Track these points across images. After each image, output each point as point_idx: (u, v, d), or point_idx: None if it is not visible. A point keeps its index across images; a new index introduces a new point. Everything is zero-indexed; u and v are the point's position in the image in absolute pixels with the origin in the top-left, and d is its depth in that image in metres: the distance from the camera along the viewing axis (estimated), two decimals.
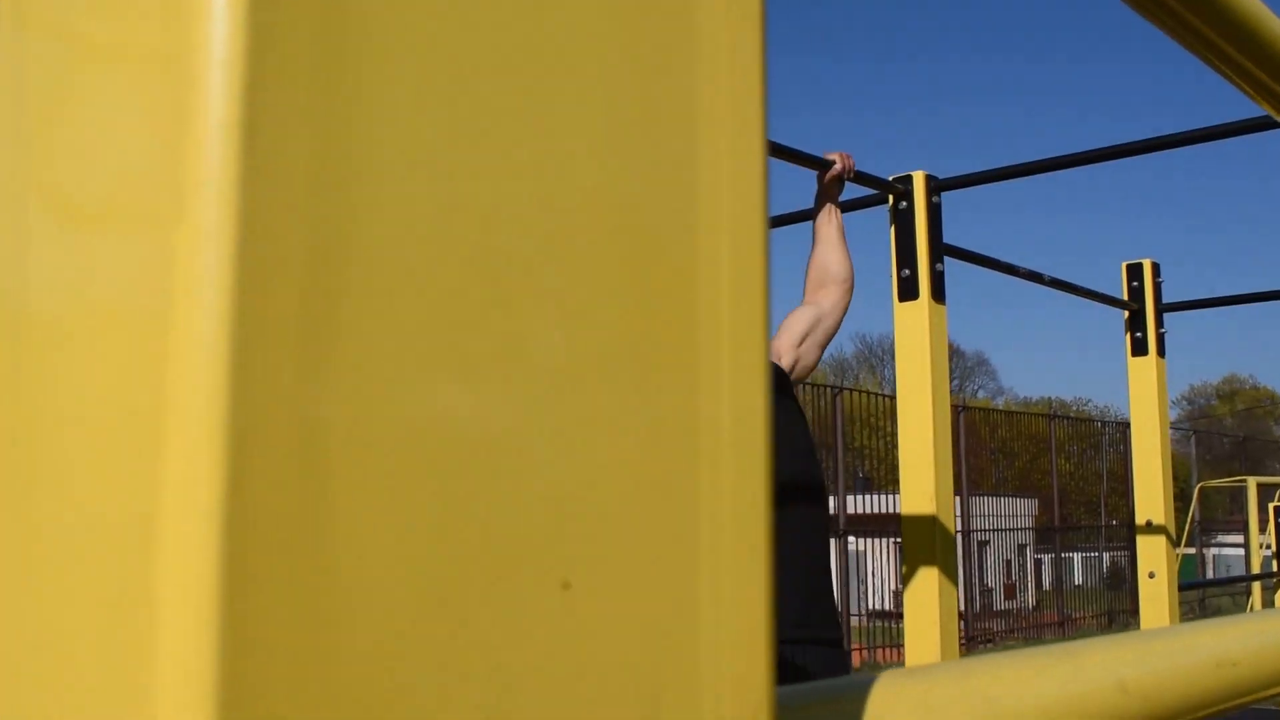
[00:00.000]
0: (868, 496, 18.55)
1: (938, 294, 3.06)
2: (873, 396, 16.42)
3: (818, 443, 14.52)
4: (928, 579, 2.98)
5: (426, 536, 0.23)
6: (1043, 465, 24.19)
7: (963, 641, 15.37)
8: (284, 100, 0.21)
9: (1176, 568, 4.06)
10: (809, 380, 16.63)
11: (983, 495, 20.20)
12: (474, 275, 0.25)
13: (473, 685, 0.23)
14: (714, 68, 0.32)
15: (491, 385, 0.25)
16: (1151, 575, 3.98)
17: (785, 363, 3.16)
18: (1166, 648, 0.53)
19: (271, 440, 0.21)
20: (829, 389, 14.22)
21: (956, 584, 3.02)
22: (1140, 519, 4.03)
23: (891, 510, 18.92)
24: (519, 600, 0.24)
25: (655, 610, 0.27)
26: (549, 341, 0.26)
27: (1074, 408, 47.67)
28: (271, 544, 0.21)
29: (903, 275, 3.06)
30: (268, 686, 0.20)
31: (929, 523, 2.98)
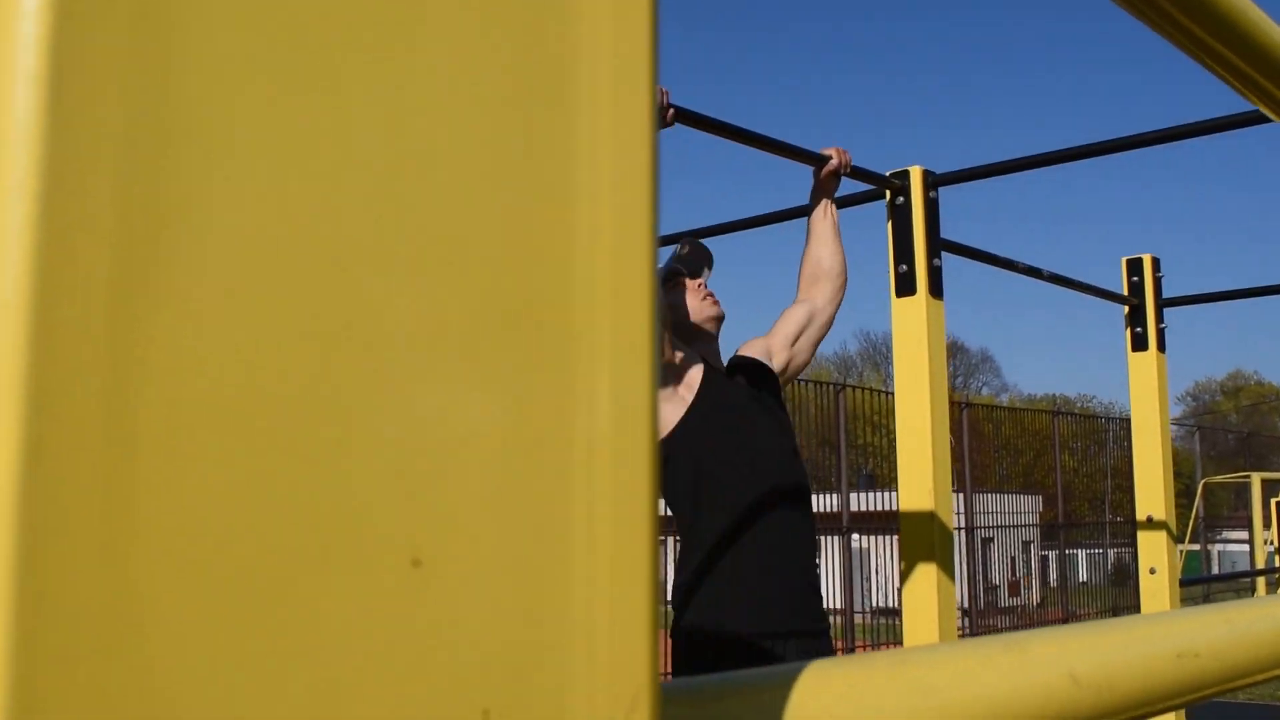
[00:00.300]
0: (871, 494, 18.55)
1: (935, 289, 3.04)
2: (876, 393, 16.38)
3: (821, 440, 14.47)
4: (926, 575, 2.96)
5: (256, 517, 0.22)
6: (1047, 462, 24.16)
7: (966, 638, 15.31)
8: (96, 55, 0.20)
9: (1178, 563, 4.04)
10: (812, 378, 16.49)
11: (987, 492, 20.17)
12: (315, 243, 0.24)
13: (307, 672, 0.22)
14: (595, 39, 0.31)
15: (334, 357, 0.24)
16: (1153, 571, 3.97)
17: (777, 362, 3.15)
18: (1123, 639, 0.51)
19: (75, 410, 0.19)
20: (832, 386, 14.19)
21: (954, 580, 3.01)
22: (1141, 515, 4.01)
23: (895, 508, 18.84)
24: (363, 580, 0.23)
25: (518, 592, 0.26)
26: (399, 314, 0.25)
27: (1078, 404, 47.61)
28: (72, 526, 0.19)
29: (900, 271, 3.05)
30: (65, 691, 0.19)
31: (927, 519, 2.97)
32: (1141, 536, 4.01)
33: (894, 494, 17.41)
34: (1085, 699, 0.45)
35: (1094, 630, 0.51)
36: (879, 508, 18.17)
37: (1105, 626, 0.53)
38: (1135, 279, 4.05)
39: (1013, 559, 23.16)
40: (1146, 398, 4.00)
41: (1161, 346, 4.02)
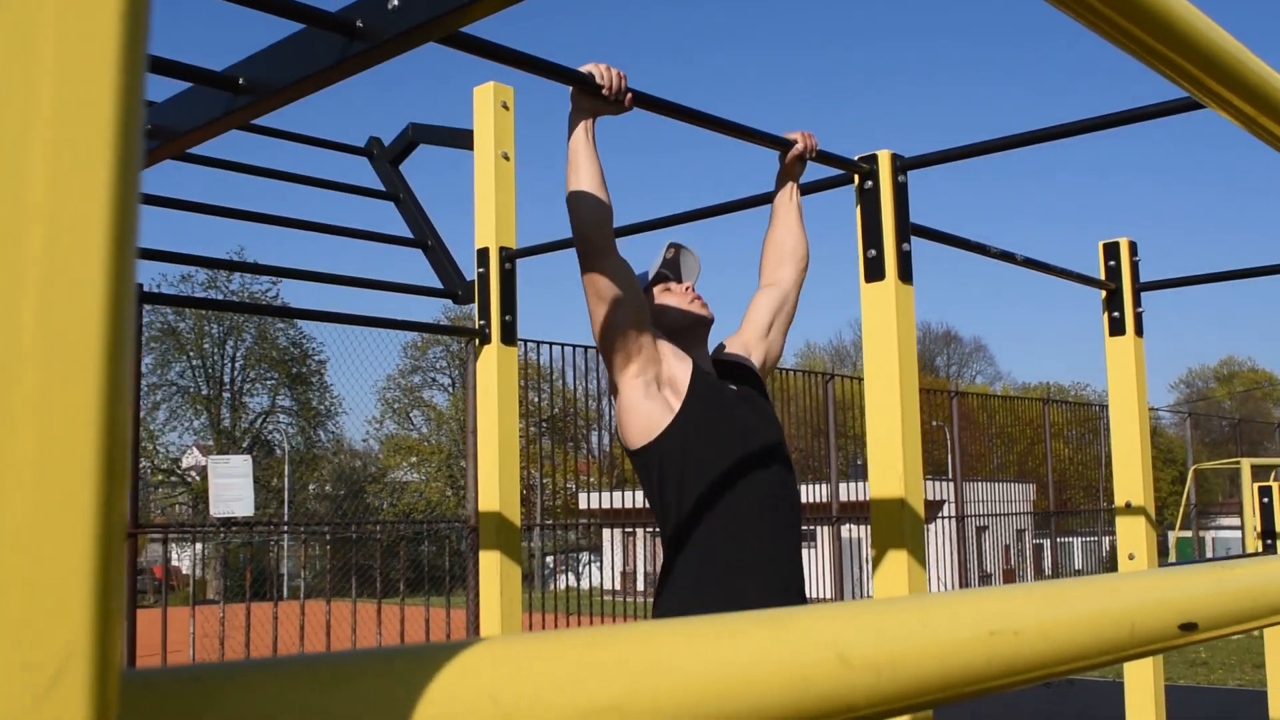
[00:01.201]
0: (862, 484, 18.48)
1: (905, 274, 3.01)
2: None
3: (812, 429, 14.40)
4: (896, 563, 2.93)
5: None
6: (1041, 450, 24.18)
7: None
8: None
9: (1156, 549, 4.01)
10: (803, 368, 16.41)
11: (980, 481, 20.17)
12: None
13: None
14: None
15: None
16: (1131, 557, 3.94)
17: (756, 357, 3.13)
18: (921, 617, 0.48)
19: None
20: (821, 375, 14.14)
21: (926, 567, 2.97)
22: (1119, 500, 3.98)
23: None
24: None
25: None
26: None
27: (1072, 392, 47.61)
28: None
29: (869, 256, 3.01)
30: None
31: (897, 505, 2.93)
32: (1120, 522, 3.98)
33: None
34: (857, 680, 0.41)
35: (872, 608, 0.47)
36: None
37: (890, 604, 0.49)
38: (1112, 263, 4.02)
39: (1006, 547, 23.19)
40: (1124, 383, 3.97)
41: (1139, 331, 3.99)
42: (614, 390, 2.85)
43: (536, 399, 14.67)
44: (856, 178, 3.06)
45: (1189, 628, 0.68)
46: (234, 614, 9.34)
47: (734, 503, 2.80)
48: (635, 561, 19.04)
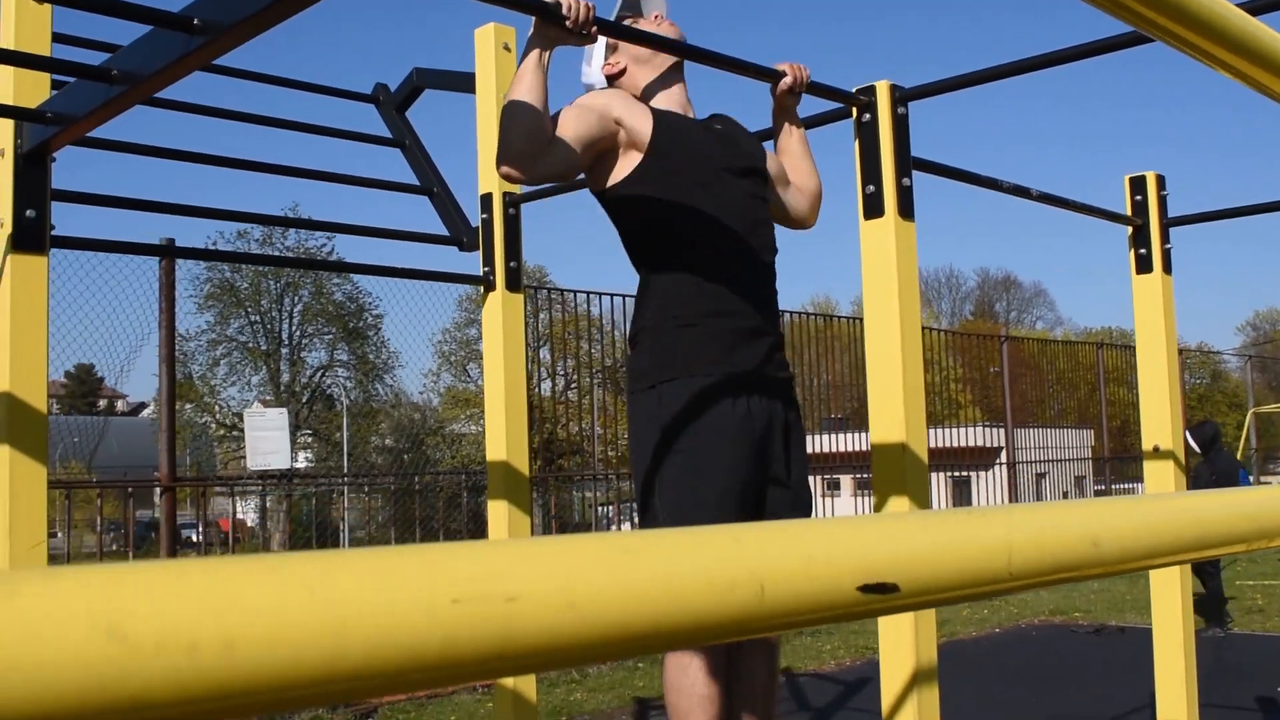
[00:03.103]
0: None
1: (905, 210, 2.88)
2: (925, 330, 16.09)
3: (859, 376, 14.17)
4: (898, 509, 2.83)
5: None
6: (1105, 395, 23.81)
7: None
8: None
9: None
10: (855, 315, 16.13)
11: (1038, 427, 19.91)
12: None
13: None
14: None
15: None
16: None
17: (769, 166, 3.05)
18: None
19: None
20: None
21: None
22: (1147, 445, 3.84)
23: (947, 444, 18.76)
24: None
25: None
26: None
27: (1134, 336, 46.69)
28: None
29: (867, 192, 2.88)
30: None
31: (898, 451, 2.83)
32: (1148, 467, 3.84)
33: (944, 430, 17.25)
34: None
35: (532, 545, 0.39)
36: (932, 444, 18.03)
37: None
38: (1139, 198, 3.85)
39: (1065, 494, 22.89)
40: (1152, 322, 3.82)
41: (1167, 268, 3.82)
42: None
43: (589, 350, 14.64)
44: (854, 111, 2.94)
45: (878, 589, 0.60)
46: None
47: (705, 233, 2.78)
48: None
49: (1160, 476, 3.79)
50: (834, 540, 0.60)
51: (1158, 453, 3.79)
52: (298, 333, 36.00)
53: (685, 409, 2.66)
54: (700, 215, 2.75)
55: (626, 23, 2.92)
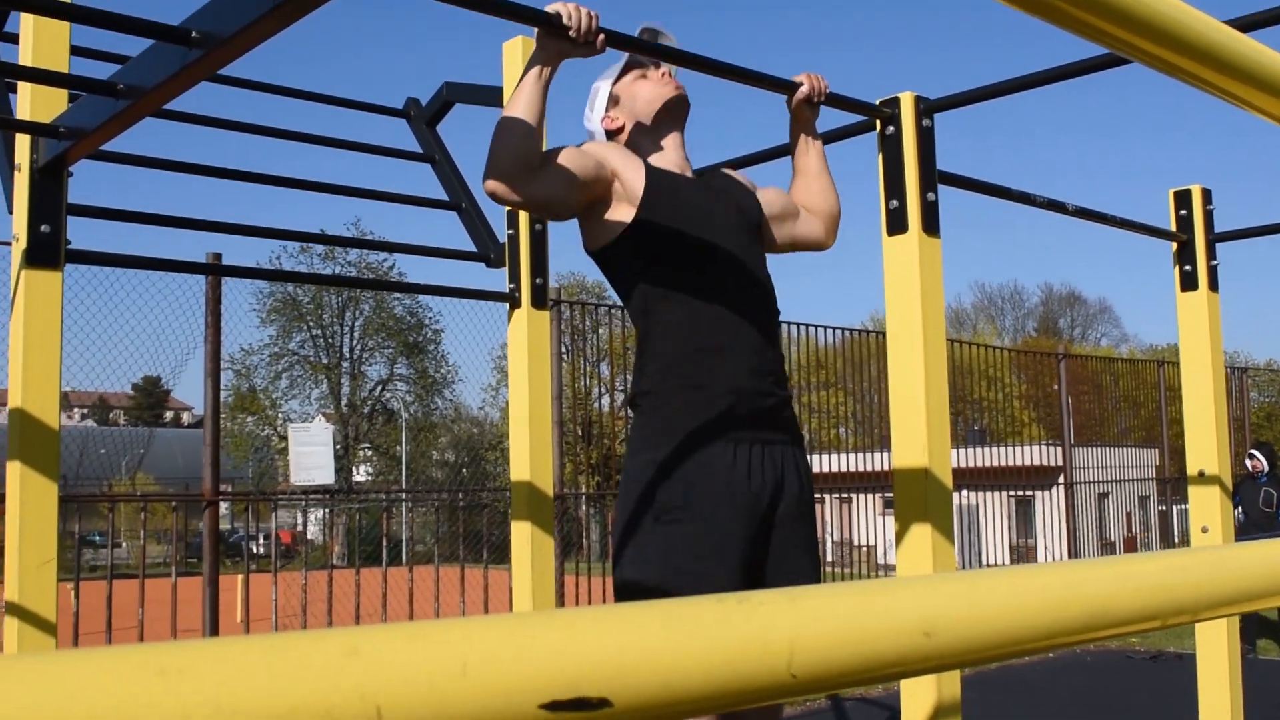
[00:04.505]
0: (983, 450, 18.08)
1: (930, 226, 2.79)
2: (989, 349, 15.86)
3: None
4: (920, 538, 2.72)
5: None
6: (1170, 414, 23.34)
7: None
8: None
9: (1233, 521, 3.73)
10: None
11: (1100, 446, 19.53)
12: None
13: None
14: None
15: None
16: (1205, 530, 3.65)
17: (763, 202, 2.93)
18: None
19: None
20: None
21: (953, 544, 2.76)
22: (1192, 469, 3.69)
23: (1007, 463, 18.46)
24: None
25: None
26: None
27: None
28: None
29: (890, 207, 2.79)
30: None
31: (921, 476, 2.72)
32: (1193, 492, 3.69)
33: (1006, 449, 16.98)
34: None
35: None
36: (993, 463, 17.72)
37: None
38: (1184, 213, 3.71)
39: (1128, 515, 22.45)
40: (1197, 341, 3.68)
41: (1214, 285, 3.68)
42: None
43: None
44: (878, 123, 2.85)
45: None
46: (345, 579, 9.42)
47: (700, 289, 2.65)
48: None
49: (1205, 502, 3.64)
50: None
51: (1203, 477, 3.65)
52: (358, 347, 36.29)
53: (686, 475, 2.53)
54: (698, 273, 2.63)
55: (634, 74, 2.85)
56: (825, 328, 11.51)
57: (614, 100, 2.85)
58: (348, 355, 36.02)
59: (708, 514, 2.49)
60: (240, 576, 9.90)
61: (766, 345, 2.69)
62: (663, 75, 2.82)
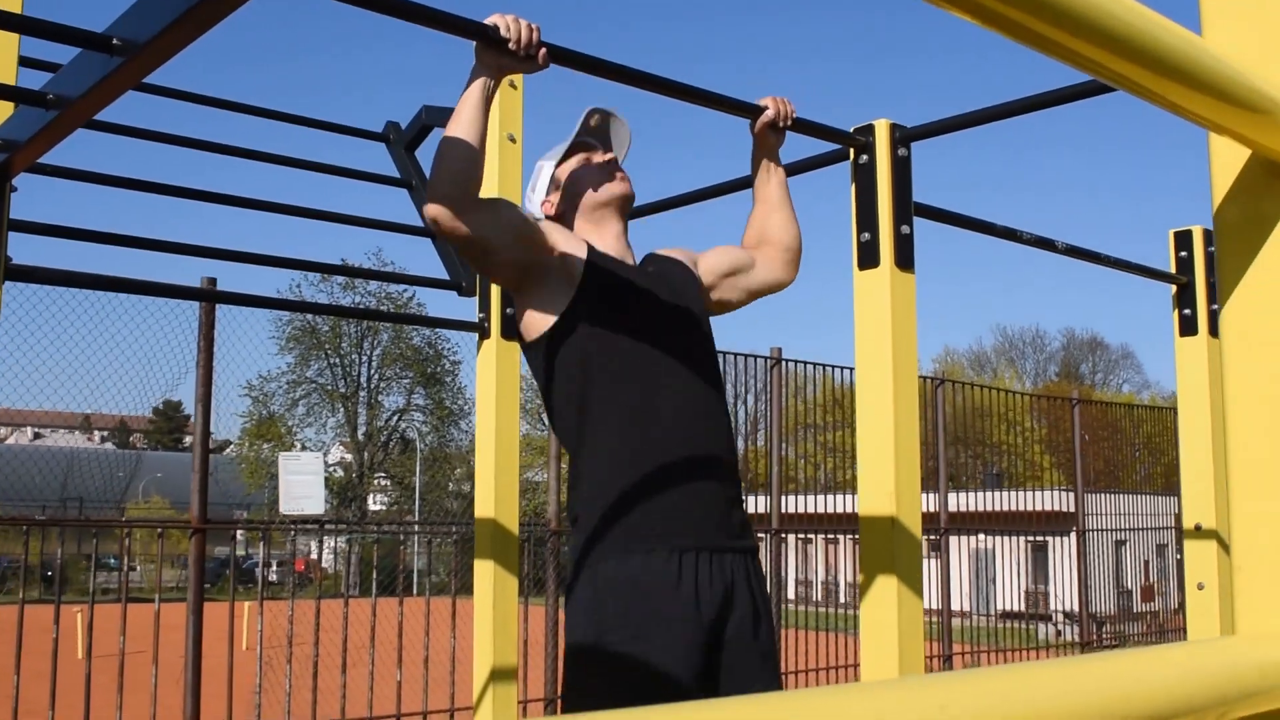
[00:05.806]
0: (998, 494, 17.84)
1: (904, 260, 2.64)
2: (1009, 394, 15.67)
3: (953, 438, 13.80)
4: (885, 589, 2.56)
5: None
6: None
7: (1093, 644, 14.57)
8: None
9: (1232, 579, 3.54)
10: (948, 376, 15.72)
11: (1119, 493, 19.27)
12: None
13: None
14: None
15: None
16: (1201, 587, 3.47)
17: (701, 277, 2.76)
18: None
19: None
20: (953, 384, 13.51)
21: (921, 597, 2.59)
22: (1188, 523, 3.52)
23: (1023, 507, 18.21)
24: None
25: None
26: None
27: None
28: None
29: (862, 240, 2.65)
30: None
31: (887, 525, 2.56)
32: (1189, 547, 3.51)
33: (1023, 494, 16.74)
34: None
35: None
36: (1009, 507, 17.49)
37: None
38: (1184, 254, 3.56)
39: (1146, 563, 22.11)
40: (1196, 389, 3.51)
41: (1214, 331, 3.52)
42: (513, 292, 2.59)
43: None
44: (852, 152, 2.71)
45: None
46: (357, 607, 9.27)
47: (642, 384, 2.48)
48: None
49: (1202, 557, 3.46)
50: None
51: (1199, 531, 3.47)
52: (375, 376, 36.27)
53: (628, 593, 2.36)
54: (640, 361, 2.49)
55: (581, 156, 2.72)
56: (842, 368, 11.37)
57: (555, 184, 2.72)
58: (364, 384, 36.01)
59: (652, 644, 2.33)
60: (249, 604, 9.78)
61: (715, 438, 2.54)
62: (609, 160, 2.69)
